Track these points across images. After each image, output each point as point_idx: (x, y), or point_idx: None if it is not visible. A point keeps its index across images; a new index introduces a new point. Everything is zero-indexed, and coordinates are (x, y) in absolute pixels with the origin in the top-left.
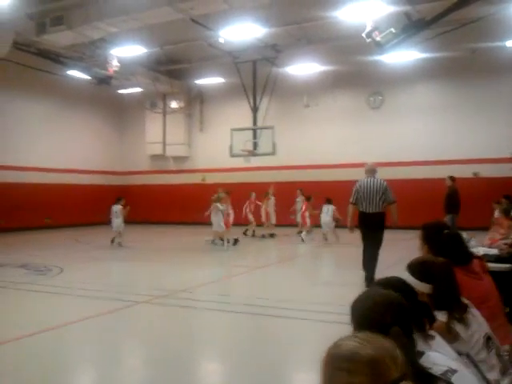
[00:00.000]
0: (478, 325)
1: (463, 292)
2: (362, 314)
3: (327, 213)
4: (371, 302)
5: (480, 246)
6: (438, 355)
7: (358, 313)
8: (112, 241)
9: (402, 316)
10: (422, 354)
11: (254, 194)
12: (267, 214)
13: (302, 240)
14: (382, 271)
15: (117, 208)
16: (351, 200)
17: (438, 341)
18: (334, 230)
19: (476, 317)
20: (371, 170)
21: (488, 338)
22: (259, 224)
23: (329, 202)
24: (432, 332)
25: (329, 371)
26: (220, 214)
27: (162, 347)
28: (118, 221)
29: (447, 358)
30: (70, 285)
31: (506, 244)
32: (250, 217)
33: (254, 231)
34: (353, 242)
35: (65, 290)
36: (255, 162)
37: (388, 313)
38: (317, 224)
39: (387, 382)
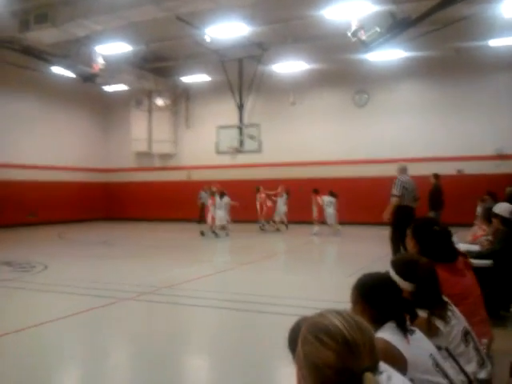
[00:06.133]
0: (456, 320)
1: (445, 288)
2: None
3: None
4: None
5: (461, 242)
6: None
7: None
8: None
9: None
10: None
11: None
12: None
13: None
14: (370, 265)
15: (227, 200)
16: (398, 193)
17: (419, 335)
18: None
19: (454, 313)
20: (405, 169)
21: (466, 333)
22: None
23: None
24: (413, 327)
25: (304, 335)
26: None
27: (147, 344)
28: (221, 212)
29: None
30: (53, 281)
31: (487, 240)
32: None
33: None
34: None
35: (48, 286)
36: (241, 159)
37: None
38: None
39: (353, 367)
